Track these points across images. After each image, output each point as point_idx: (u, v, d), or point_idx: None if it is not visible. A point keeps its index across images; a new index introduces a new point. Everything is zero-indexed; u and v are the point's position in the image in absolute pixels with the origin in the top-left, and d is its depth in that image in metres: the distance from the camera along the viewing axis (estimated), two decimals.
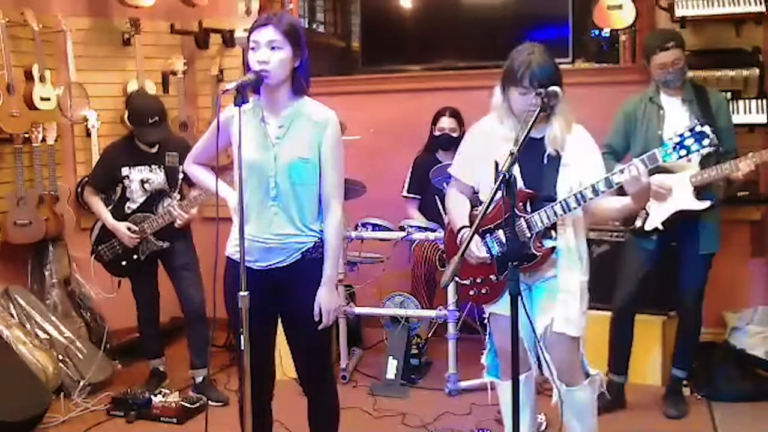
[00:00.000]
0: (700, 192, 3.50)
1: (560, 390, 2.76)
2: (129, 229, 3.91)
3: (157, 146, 3.98)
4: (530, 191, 2.68)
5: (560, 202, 2.60)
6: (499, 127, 2.70)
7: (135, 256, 3.99)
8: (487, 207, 2.25)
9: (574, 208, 2.59)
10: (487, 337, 2.95)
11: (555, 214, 2.61)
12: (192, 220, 4.00)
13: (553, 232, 2.68)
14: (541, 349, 2.71)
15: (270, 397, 2.80)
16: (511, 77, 2.62)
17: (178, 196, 4.01)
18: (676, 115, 3.55)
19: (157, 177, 3.97)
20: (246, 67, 2.54)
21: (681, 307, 3.81)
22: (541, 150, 2.68)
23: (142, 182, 3.96)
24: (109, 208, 3.99)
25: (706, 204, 3.50)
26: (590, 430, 2.83)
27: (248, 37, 2.52)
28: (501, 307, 2.72)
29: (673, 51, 3.49)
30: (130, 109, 4.14)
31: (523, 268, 2.70)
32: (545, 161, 2.68)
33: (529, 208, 2.67)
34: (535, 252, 2.68)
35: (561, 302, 2.67)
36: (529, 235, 2.67)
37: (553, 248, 2.67)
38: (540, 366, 2.81)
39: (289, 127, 2.57)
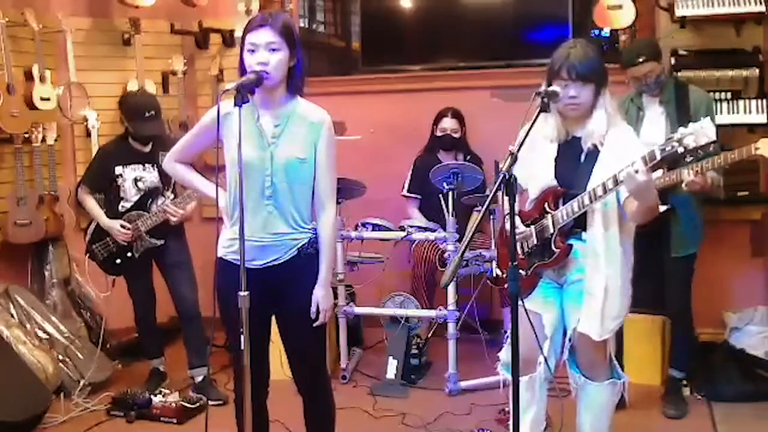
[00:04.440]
0: (667, 194, 3.46)
1: (578, 381, 2.78)
2: (122, 226, 3.92)
3: (150, 145, 3.98)
4: (558, 189, 2.68)
5: (577, 198, 2.59)
6: (543, 126, 2.69)
7: (129, 254, 3.99)
8: (487, 207, 2.25)
9: (587, 205, 2.57)
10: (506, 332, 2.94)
11: (573, 211, 2.61)
12: (188, 218, 3.99)
13: (584, 233, 2.67)
14: (563, 348, 2.73)
15: (265, 396, 2.79)
16: (551, 70, 2.63)
17: (172, 195, 4.00)
18: (653, 117, 3.57)
19: (150, 176, 3.97)
20: (240, 67, 2.53)
21: (668, 308, 3.81)
22: (579, 147, 2.68)
23: (135, 181, 3.97)
24: (103, 207, 4.00)
25: (662, 208, 3.45)
26: (599, 429, 2.82)
27: (243, 38, 2.51)
28: (527, 303, 2.66)
29: (644, 65, 3.50)
30: (125, 106, 4.12)
31: (541, 265, 2.72)
32: (583, 158, 2.68)
33: (560, 205, 2.67)
34: (554, 249, 2.68)
35: (585, 304, 2.67)
36: (552, 231, 2.67)
37: (570, 246, 2.66)
38: (556, 365, 2.81)
39: (285, 127, 2.57)
